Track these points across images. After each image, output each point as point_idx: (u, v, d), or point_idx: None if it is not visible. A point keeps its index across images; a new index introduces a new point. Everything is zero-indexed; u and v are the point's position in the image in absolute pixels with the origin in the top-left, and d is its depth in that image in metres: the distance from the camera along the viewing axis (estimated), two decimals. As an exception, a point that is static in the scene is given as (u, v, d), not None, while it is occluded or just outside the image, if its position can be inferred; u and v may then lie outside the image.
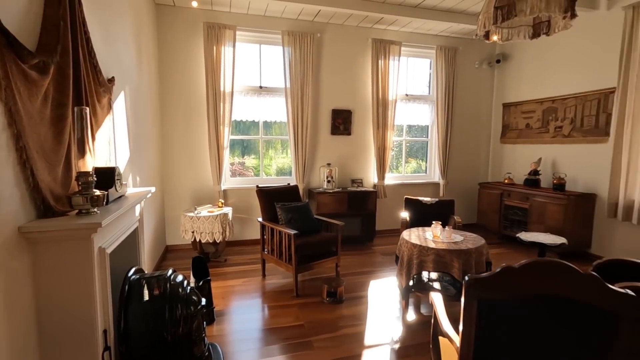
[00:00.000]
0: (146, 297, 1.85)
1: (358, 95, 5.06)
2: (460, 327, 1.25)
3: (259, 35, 4.60)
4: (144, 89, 3.55)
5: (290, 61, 4.57)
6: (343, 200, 4.69)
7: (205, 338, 2.07)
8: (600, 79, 4.13)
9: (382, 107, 4.99)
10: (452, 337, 1.48)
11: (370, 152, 5.18)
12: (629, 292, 1.07)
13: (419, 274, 3.18)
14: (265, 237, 3.59)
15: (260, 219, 3.60)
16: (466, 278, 1.19)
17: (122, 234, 1.97)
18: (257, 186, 3.71)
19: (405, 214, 3.78)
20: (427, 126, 5.64)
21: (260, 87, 4.72)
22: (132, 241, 2.24)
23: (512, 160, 5.40)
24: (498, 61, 5.49)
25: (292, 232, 3.13)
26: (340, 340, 2.50)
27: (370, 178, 5.23)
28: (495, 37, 2.68)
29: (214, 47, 4.26)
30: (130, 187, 2.86)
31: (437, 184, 5.56)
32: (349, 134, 5.08)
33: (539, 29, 2.37)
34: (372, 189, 4.96)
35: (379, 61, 4.92)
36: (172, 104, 4.36)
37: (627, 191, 3.80)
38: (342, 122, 5.02)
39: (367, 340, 2.50)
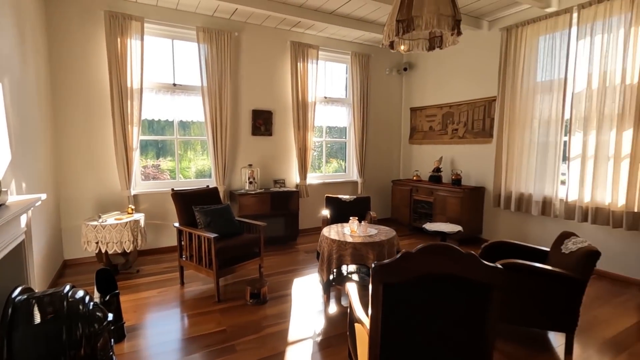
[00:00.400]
0: (37, 319, 1.63)
1: (278, 96, 5.10)
2: (370, 312, 1.37)
3: (172, 30, 4.33)
4: (30, 83, 3.08)
5: (206, 59, 4.40)
6: (266, 201, 4.68)
7: (114, 357, 1.89)
8: (485, 89, 4.82)
9: (302, 108, 5.11)
10: (364, 322, 1.61)
11: (292, 152, 5.26)
12: (499, 266, 1.29)
13: (339, 268, 3.35)
14: (183, 243, 3.41)
15: (176, 224, 3.41)
16: (372, 265, 1.31)
17: (1, 250, 1.70)
18: (173, 189, 3.50)
19: (326, 212, 3.94)
20: (345, 128, 5.94)
21: (174, 84, 4.46)
22: (16, 257, 1.94)
23: (420, 159, 5.99)
24: (405, 69, 6.04)
25: (212, 235, 3.03)
26: (264, 340, 2.50)
27: (293, 178, 5.31)
28: (402, 47, 2.96)
29: (118, 39, 3.89)
30: (14, 195, 2.46)
31: (355, 182, 5.89)
32: (270, 134, 5.08)
33: (434, 42, 2.69)
34: (294, 189, 5.04)
35: (298, 63, 5.03)
36: (69, 101, 3.86)
37: (506, 184, 4.51)
38: (262, 122, 5.00)
39: (291, 337, 2.55)
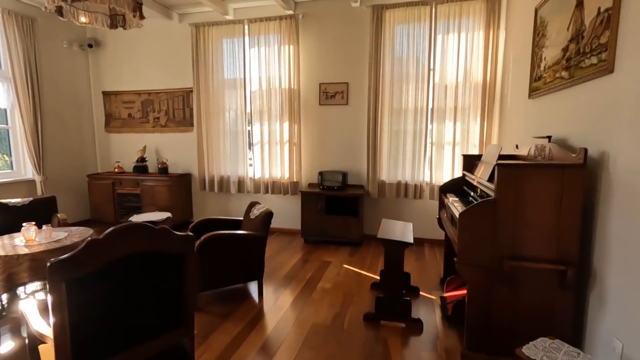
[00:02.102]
0: None
1: None
2: (51, 320, 1.18)
3: None
4: None
5: None
6: None
7: None
8: (182, 79, 5.03)
9: None
10: (48, 335, 1.35)
11: None
12: (189, 234, 1.46)
13: (12, 290, 2.56)
14: None
15: None
16: (48, 264, 1.13)
17: None
18: None
19: (-21, 224, 2.85)
20: (5, 110, 4.44)
21: None
22: None
23: (121, 149, 5.46)
24: (90, 45, 5.22)
25: None
26: None
27: None
28: (82, 19, 2.54)
29: None
30: None
31: (32, 182, 4.59)
32: None
33: (116, 20, 2.51)
34: None
35: None
36: None
37: (209, 169, 5.00)
38: None
39: None
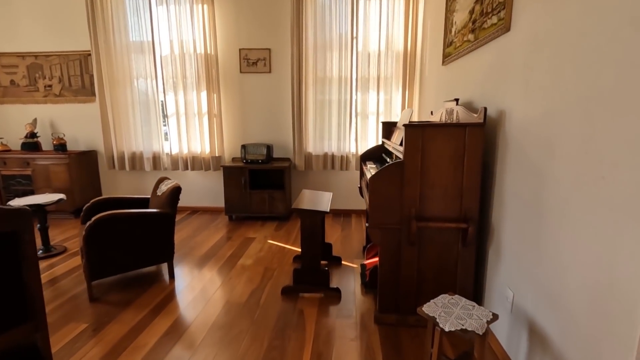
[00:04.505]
0: None
1: None
2: None
3: None
4: None
5: None
6: None
7: None
8: (77, 41, 4.31)
9: None
10: None
11: None
12: (25, 207, 1.17)
13: None
14: None
15: None
16: None
17: None
18: None
19: None
20: None
21: None
22: None
23: (3, 123, 4.61)
24: (-51, -6, 4.21)
25: None
26: None
27: None
28: None
29: None
30: None
31: None
32: None
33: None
34: None
35: None
36: None
37: (117, 145, 4.43)
38: None
39: None
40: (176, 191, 2.65)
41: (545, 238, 1.43)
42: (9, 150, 4.38)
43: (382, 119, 4.12)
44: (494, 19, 1.94)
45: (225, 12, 4.13)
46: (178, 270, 2.88)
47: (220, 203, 4.42)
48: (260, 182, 4.28)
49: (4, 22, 4.35)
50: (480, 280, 2.09)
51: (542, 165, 1.45)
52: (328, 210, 2.42)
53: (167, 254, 2.69)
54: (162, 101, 4.37)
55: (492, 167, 1.96)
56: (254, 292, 2.53)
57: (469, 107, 2.31)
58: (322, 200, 2.63)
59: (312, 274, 2.47)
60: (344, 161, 4.27)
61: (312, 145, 4.29)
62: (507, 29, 1.78)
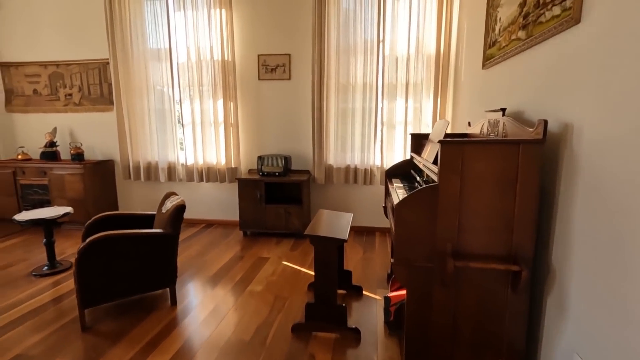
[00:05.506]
0: None
1: None
2: None
3: None
4: None
5: None
6: None
7: None
8: (97, 49, 4.25)
9: None
10: None
11: None
12: None
13: None
14: None
15: None
16: None
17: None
18: None
19: None
20: None
21: None
22: None
23: (26, 132, 4.62)
24: (-22, 5, 4.29)
25: None
26: None
27: None
28: None
29: None
30: None
31: None
32: None
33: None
34: None
35: None
36: None
37: (133, 155, 4.31)
38: None
39: None
40: (180, 210, 2.41)
41: (636, 292, 1.02)
42: (29, 159, 4.37)
43: (411, 129, 3.74)
44: (556, 10, 1.55)
45: (243, 16, 3.93)
46: (182, 294, 2.63)
47: (236, 216, 4.18)
48: (276, 196, 4.00)
49: (26, 32, 4.37)
50: (534, 338, 1.67)
51: (631, 201, 1.05)
52: (346, 238, 2.08)
53: (168, 279, 2.45)
54: (178, 110, 4.21)
55: (552, 196, 1.55)
56: (260, 327, 2.22)
57: (519, 118, 1.91)
58: (341, 224, 2.30)
59: (327, 310, 2.13)
60: (367, 175, 3.92)
61: (333, 157, 3.97)
62: (577, 20, 1.39)
